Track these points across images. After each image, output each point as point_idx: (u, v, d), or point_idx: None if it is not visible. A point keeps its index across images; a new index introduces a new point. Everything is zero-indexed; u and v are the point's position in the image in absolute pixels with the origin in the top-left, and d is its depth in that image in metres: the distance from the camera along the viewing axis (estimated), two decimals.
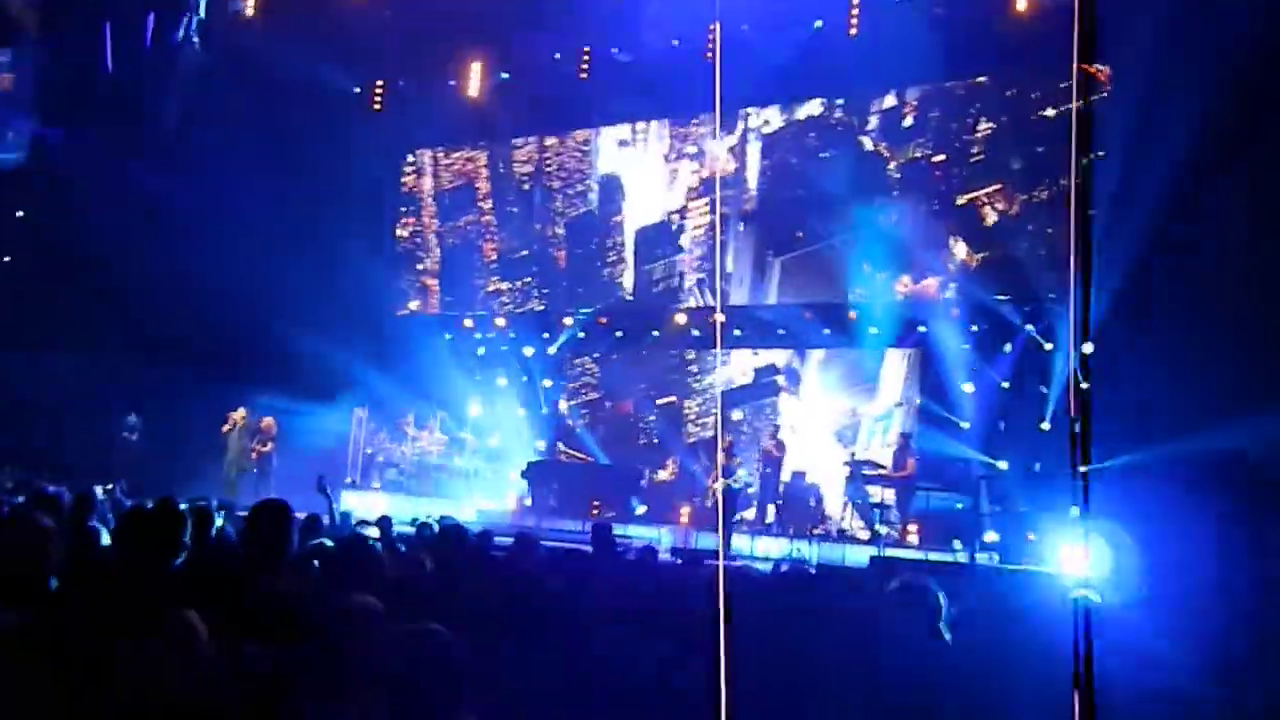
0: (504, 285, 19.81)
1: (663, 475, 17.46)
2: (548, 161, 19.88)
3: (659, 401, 18.55)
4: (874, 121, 16.72)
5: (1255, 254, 11.28)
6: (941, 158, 15.89)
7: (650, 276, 18.62)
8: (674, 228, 18.46)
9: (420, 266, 20.66)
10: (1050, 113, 14.77)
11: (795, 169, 17.23)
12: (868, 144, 16.71)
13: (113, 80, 17.56)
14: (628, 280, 18.86)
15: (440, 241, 20.62)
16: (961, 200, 15.58)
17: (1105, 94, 14.11)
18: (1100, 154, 13.84)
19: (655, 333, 18.44)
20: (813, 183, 16.70)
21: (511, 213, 20.15)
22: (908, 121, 16.44)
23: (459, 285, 20.21)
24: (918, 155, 16.16)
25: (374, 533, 8.55)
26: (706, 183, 18.26)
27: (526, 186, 20.11)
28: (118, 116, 18.07)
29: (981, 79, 15.66)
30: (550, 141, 19.84)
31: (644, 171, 18.93)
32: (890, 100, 16.56)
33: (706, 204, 18.23)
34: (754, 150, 17.83)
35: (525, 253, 19.87)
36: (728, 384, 17.99)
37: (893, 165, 16.35)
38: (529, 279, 19.59)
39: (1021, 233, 14.90)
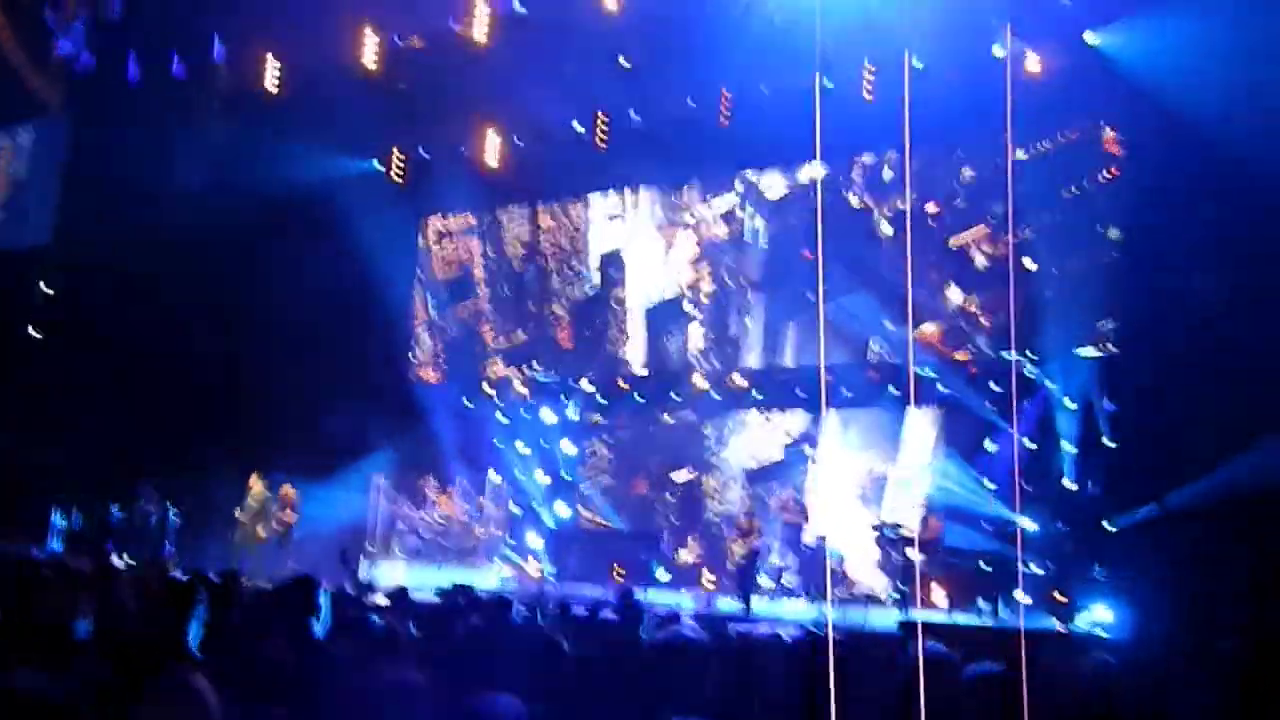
0: (509, 371, 19.94)
1: (685, 556, 17.26)
2: (542, 241, 20.07)
3: (676, 478, 18.37)
4: (856, 177, 16.96)
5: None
6: (933, 208, 16.03)
7: (664, 351, 18.67)
8: (682, 301, 18.54)
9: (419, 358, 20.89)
10: (1022, 155, 15.04)
11: (797, 231, 17.32)
12: (854, 200, 16.86)
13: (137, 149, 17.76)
14: (636, 355, 18.93)
15: (440, 334, 20.85)
16: (953, 244, 15.69)
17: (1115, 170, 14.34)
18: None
19: (676, 395, 18.40)
20: (814, 244, 16.79)
21: (505, 296, 20.34)
22: (886, 174, 16.68)
23: (462, 373, 20.41)
24: (902, 207, 16.33)
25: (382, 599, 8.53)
26: (705, 250, 18.37)
27: (517, 266, 20.32)
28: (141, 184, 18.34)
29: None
30: (546, 223, 20.04)
31: (641, 243, 19.12)
32: (868, 157, 16.80)
33: (708, 271, 18.32)
34: (757, 214, 17.97)
35: (524, 336, 20.00)
36: (747, 459, 17.79)
37: (880, 217, 16.52)
38: (536, 364, 19.68)
39: (1010, 276, 15.01)
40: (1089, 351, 14.01)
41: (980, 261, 15.59)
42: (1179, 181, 12.30)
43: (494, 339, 20.29)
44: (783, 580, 15.58)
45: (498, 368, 20.06)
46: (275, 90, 17.95)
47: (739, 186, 18.25)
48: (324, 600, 4.58)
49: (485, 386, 19.92)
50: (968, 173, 15.76)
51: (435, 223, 21.23)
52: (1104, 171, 14.45)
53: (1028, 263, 14.80)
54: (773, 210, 17.83)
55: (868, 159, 16.87)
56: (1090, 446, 13.69)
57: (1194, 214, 11.92)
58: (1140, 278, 13.45)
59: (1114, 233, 14.29)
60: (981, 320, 15.46)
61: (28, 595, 4.01)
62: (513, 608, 5.81)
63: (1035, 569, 13.12)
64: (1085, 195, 14.70)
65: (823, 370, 16.34)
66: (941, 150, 15.86)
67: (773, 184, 17.88)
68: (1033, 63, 14.47)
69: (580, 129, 18.14)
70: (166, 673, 2.84)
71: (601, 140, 18.00)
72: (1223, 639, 6.06)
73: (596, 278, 19.54)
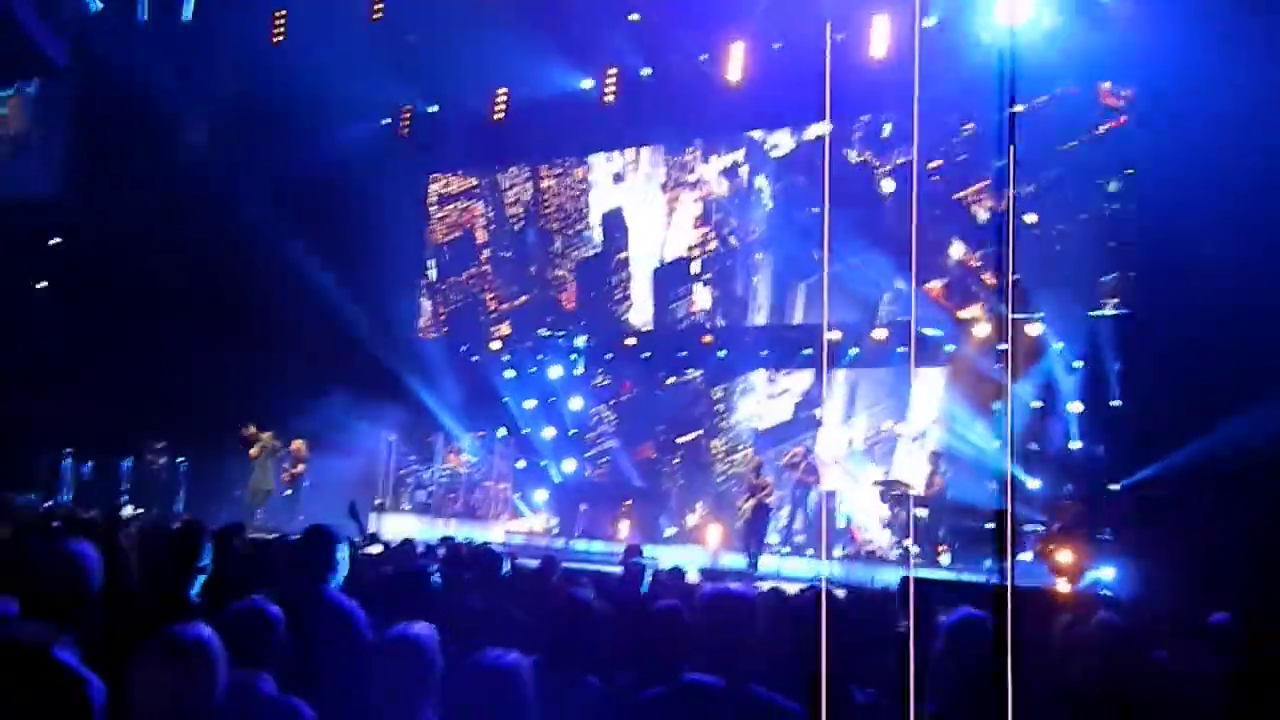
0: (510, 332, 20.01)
1: (691, 520, 17.32)
2: (545, 203, 19.97)
3: (680, 440, 18.39)
4: (856, 134, 16.88)
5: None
6: (936, 163, 15.94)
7: (672, 313, 18.63)
8: (688, 261, 18.46)
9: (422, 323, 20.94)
10: (1020, 108, 14.85)
11: (806, 190, 17.20)
12: (853, 157, 16.79)
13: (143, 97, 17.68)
14: (642, 316, 18.92)
15: (443, 298, 20.86)
16: (954, 199, 15.66)
17: (1122, 116, 14.23)
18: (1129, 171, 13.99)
19: (683, 353, 18.41)
20: (820, 203, 16.72)
21: (504, 258, 20.29)
22: (886, 130, 16.60)
23: (469, 331, 20.48)
24: (901, 161, 16.26)
25: (377, 549, 8.61)
26: (710, 209, 18.29)
27: (519, 227, 20.24)
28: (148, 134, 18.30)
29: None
30: (548, 184, 19.94)
31: (644, 204, 19.01)
32: (866, 115, 16.72)
33: (713, 231, 18.24)
34: (764, 174, 17.87)
35: (525, 298, 19.98)
36: (754, 419, 17.79)
37: (881, 174, 16.49)
38: (529, 341, 19.71)
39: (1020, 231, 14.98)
40: (1097, 311, 13.93)
41: (982, 216, 15.52)
42: (1182, 134, 12.18)
43: (496, 304, 20.29)
44: (793, 538, 15.65)
45: (503, 328, 20.09)
46: (281, 38, 17.87)
47: (742, 146, 18.13)
48: (342, 554, 4.60)
49: (492, 344, 19.96)
50: (968, 128, 15.63)
51: (435, 187, 21.16)
52: (1100, 126, 14.39)
53: (1029, 218, 14.76)
54: (779, 169, 17.71)
55: (865, 117, 16.78)
56: (1097, 407, 13.67)
57: (1198, 167, 11.80)
58: (1145, 233, 13.40)
59: (1114, 185, 14.23)
60: (986, 277, 15.39)
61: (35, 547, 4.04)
62: (503, 563, 5.83)
63: (1039, 528, 13.17)
64: (1083, 149, 14.60)
65: (826, 327, 16.39)
66: (943, 106, 15.71)
67: (780, 142, 17.75)
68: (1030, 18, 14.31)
69: (588, 85, 18.06)
70: (168, 623, 2.85)
71: (610, 97, 17.91)
72: (1223, 604, 6.07)
73: (599, 239, 19.48)
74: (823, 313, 17.03)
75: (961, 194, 15.56)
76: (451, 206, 20.98)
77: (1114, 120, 14.33)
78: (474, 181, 20.80)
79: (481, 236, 20.63)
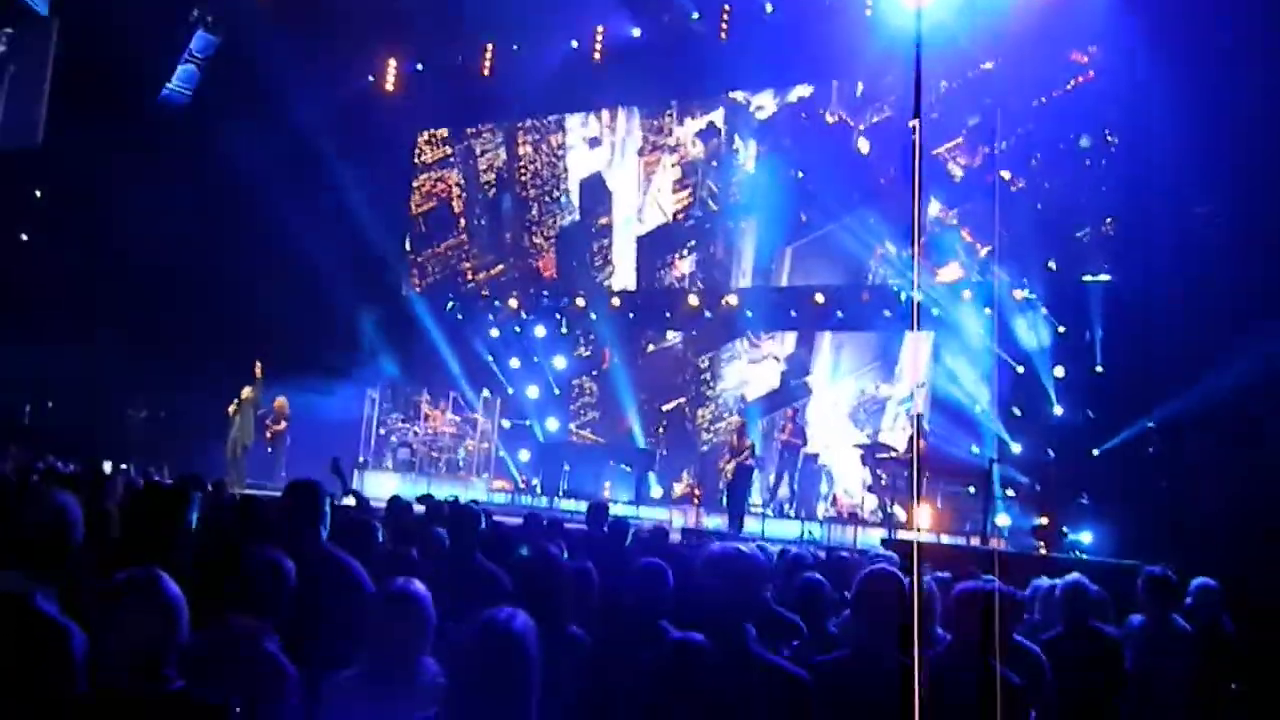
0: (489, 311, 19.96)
1: (678, 489, 17.34)
2: (521, 170, 19.86)
3: (664, 407, 18.36)
4: (833, 95, 16.86)
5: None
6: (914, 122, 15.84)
7: (656, 278, 18.55)
8: (671, 226, 18.37)
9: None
10: (989, 65, 15.08)
11: (790, 153, 17.12)
12: (829, 118, 16.76)
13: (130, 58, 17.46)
14: (624, 282, 18.84)
15: (420, 271, 20.78)
16: (933, 153, 15.58)
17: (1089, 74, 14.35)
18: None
19: (668, 314, 18.39)
20: (809, 165, 16.67)
21: (480, 226, 20.22)
22: (859, 89, 16.61)
23: (453, 292, 20.45)
24: (876, 120, 16.23)
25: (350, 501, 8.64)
26: (690, 172, 18.19)
27: (492, 194, 20.16)
28: (132, 94, 18.10)
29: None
30: (524, 151, 19.82)
31: (623, 168, 18.88)
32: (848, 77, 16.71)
33: (694, 195, 18.15)
34: (747, 135, 17.75)
35: (501, 266, 19.92)
36: (741, 385, 17.73)
37: (857, 133, 16.45)
38: (513, 300, 19.67)
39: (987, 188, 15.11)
40: (1086, 276, 13.95)
41: (956, 174, 15.50)
42: (1157, 92, 12.24)
43: (473, 275, 20.23)
44: (778, 499, 15.73)
45: (486, 293, 20.06)
46: None
47: (724, 107, 18.01)
48: (326, 506, 4.62)
49: (477, 302, 19.92)
50: (943, 84, 15.60)
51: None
52: (1071, 80, 14.44)
53: (1005, 175, 14.84)
54: (761, 131, 17.61)
55: (851, 80, 16.71)
56: (1081, 371, 13.72)
57: (1174, 124, 11.85)
58: (1127, 194, 13.48)
59: (1085, 141, 14.30)
60: (964, 234, 15.40)
61: (16, 498, 4.03)
62: (480, 519, 5.85)
63: (1021, 493, 13.26)
64: (1055, 105, 14.64)
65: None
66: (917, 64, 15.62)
67: (764, 103, 17.65)
68: None
69: (575, 44, 17.96)
70: (139, 572, 2.85)
71: (598, 56, 17.83)
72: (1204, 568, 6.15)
73: (577, 205, 19.36)
74: (809, 277, 16.97)
75: (937, 150, 15.52)
76: (425, 177, 20.89)
77: (1082, 75, 14.43)
78: (448, 151, 20.67)
79: (458, 207, 20.54)
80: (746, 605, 3.32)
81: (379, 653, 3.17)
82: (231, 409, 16.06)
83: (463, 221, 20.46)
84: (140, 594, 2.78)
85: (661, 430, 18.25)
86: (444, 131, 20.78)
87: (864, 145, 16.45)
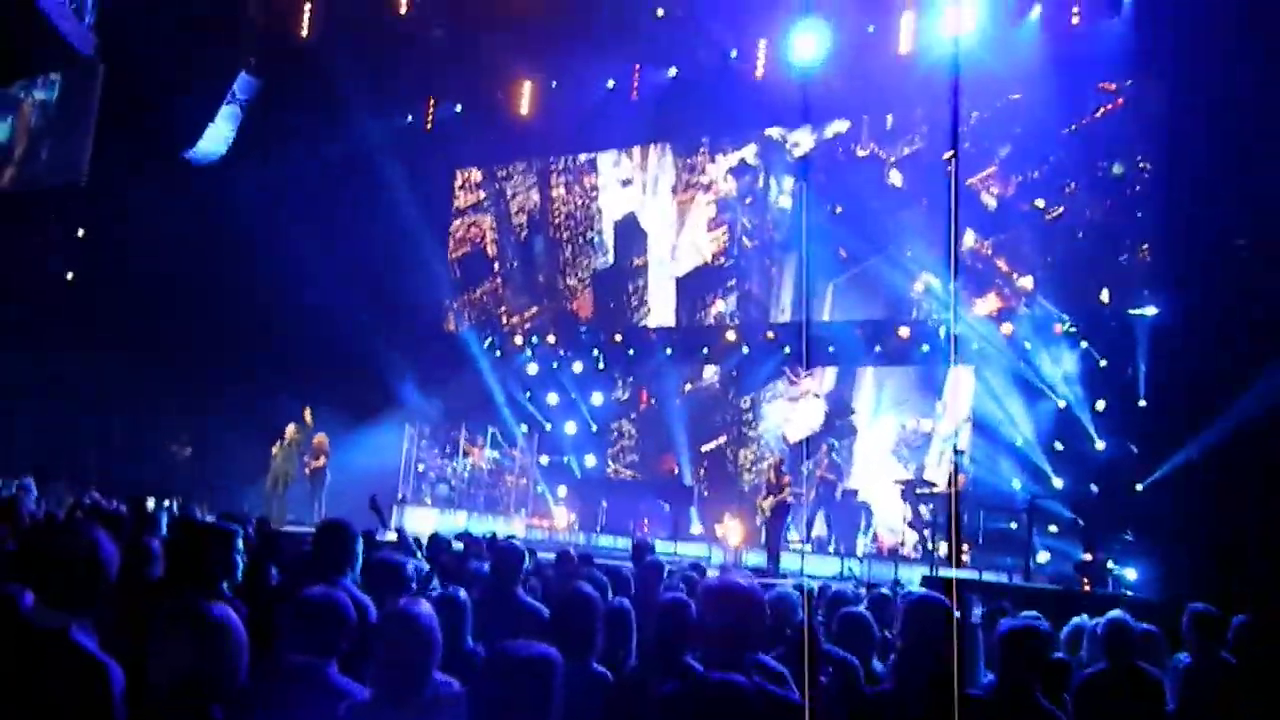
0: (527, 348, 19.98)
1: (719, 530, 17.25)
2: (554, 212, 19.96)
3: (705, 448, 18.26)
4: (864, 129, 16.90)
5: None
6: (948, 154, 15.88)
7: (696, 320, 18.53)
8: (708, 264, 18.38)
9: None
10: (1017, 96, 15.13)
11: (824, 188, 17.08)
12: (860, 152, 16.76)
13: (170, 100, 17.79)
14: (662, 321, 18.83)
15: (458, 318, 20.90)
16: (967, 183, 15.60)
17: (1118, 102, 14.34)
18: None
19: (705, 349, 18.37)
20: (844, 200, 16.64)
21: (512, 269, 20.32)
22: (889, 122, 16.67)
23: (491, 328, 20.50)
24: (907, 152, 16.27)
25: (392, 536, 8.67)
26: (727, 211, 18.21)
27: (524, 236, 20.26)
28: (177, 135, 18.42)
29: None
30: (556, 191, 19.91)
31: (657, 208, 18.95)
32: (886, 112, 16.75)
33: (730, 233, 18.15)
34: (783, 172, 17.79)
35: (535, 309, 19.98)
36: (782, 425, 17.60)
37: (890, 166, 16.46)
38: (551, 337, 19.67)
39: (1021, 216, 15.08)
40: (1131, 310, 13.80)
41: (990, 203, 15.46)
42: (1188, 120, 12.24)
43: (508, 319, 20.31)
44: (813, 536, 15.60)
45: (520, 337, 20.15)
46: (307, 34, 17.93)
47: (762, 144, 18.05)
48: (358, 548, 4.67)
49: (516, 339, 19.99)
50: (974, 115, 15.58)
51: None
52: (1100, 108, 14.44)
53: (1039, 203, 14.80)
54: (797, 167, 17.62)
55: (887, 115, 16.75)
56: (1124, 405, 13.56)
57: (1208, 152, 11.82)
58: (1164, 223, 13.40)
59: (1117, 169, 14.25)
60: (999, 264, 15.33)
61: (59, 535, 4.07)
62: (525, 557, 5.84)
63: (1063, 529, 13.10)
64: (1084, 132, 14.64)
65: (799, 325, 16.31)
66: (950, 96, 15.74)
67: (800, 140, 17.67)
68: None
69: (611, 84, 18.10)
70: (190, 604, 2.88)
71: (635, 95, 17.98)
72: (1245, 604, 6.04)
73: (611, 246, 19.41)
74: (851, 312, 16.91)
75: (970, 180, 15.49)
76: (459, 222, 21.06)
77: (1110, 103, 14.41)
78: (481, 196, 20.82)
79: (491, 251, 20.69)
80: (744, 635, 3.33)
81: (388, 674, 3.18)
82: (275, 448, 16.19)
83: (497, 265, 20.58)
84: (184, 624, 2.81)
85: (703, 472, 18.14)
86: (478, 175, 20.96)
87: (896, 178, 16.43)
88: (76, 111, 19.12)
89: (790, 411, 17.64)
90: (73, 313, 18.38)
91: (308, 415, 15.95)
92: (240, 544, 4.79)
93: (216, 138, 18.93)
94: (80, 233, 20.05)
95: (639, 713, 3.49)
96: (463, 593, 4.68)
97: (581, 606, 4.12)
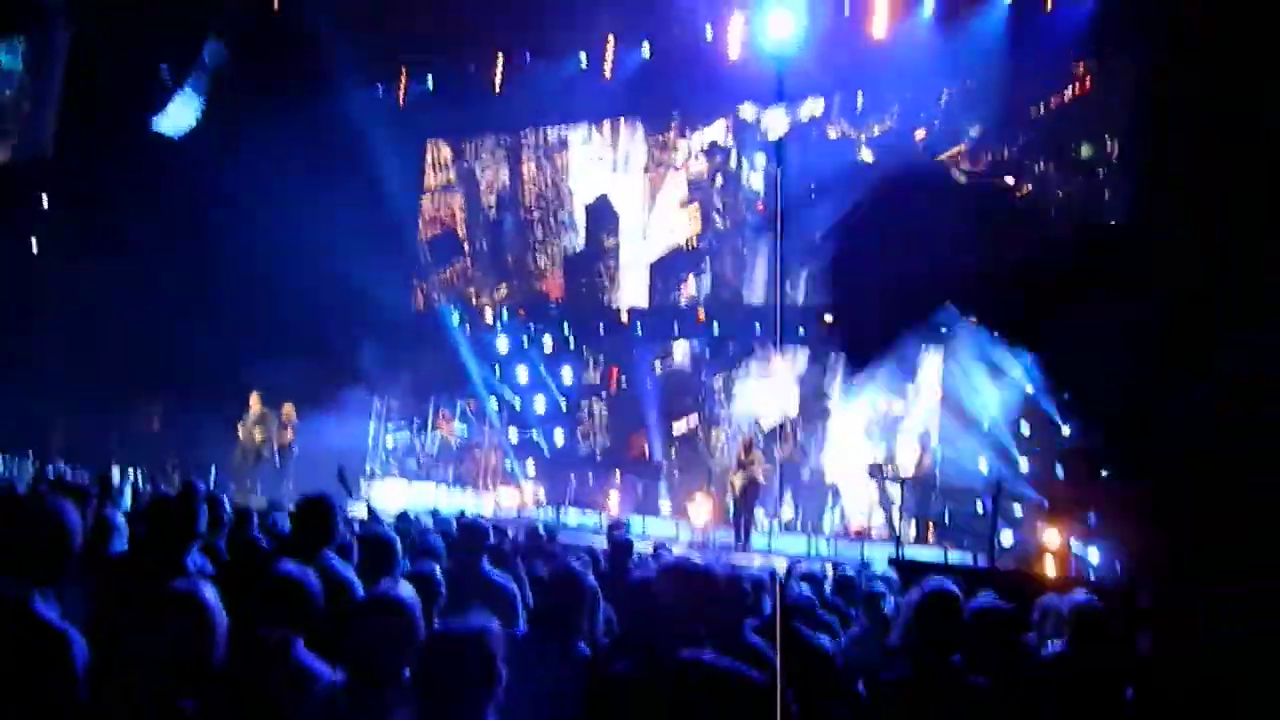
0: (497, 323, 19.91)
1: (690, 508, 17.23)
2: (524, 190, 19.88)
3: (675, 428, 18.22)
4: (835, 107, 16.90)
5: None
6: (921, 134, 15.96)
7: (671, 299, 18.51)
8: (679, 244, 18.34)
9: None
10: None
11: (799, 169, 17.09)
12: (832, 133, 16.76)
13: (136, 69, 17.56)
14: (634, 301, 18.80)
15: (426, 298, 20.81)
16: (937, 159, 15.70)
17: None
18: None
19: (676, 325, 18.35)
20: (822, 182, 16.64)
21: (481, 249, 20.25)
22: (860, 102, 16.69)
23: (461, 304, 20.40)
24: (878, 132, 16.32)
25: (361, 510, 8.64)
26: (699, 191, 18.16)
27: (493, 215, 20.18)
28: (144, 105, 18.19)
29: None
30: (526, 168, 19.81)
31: (629, 187, 18.87)
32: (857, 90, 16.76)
33: (702, 213, 18.10)
34: (755, 152, 17.76)
35: (505, 288, 19.87)
36: (754, 406, 17.46)
37: (863, 142, 16.49)
38: (521, 311, 19.61)
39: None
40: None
41: (960, 180, 15.50)
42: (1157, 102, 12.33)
43: (476, 298, 20.25)
44: (780, 515, 15.65)
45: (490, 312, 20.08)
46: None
47: (736, 123, 18.01)
48: (340, 525, 4.65)
49: (486, 316, 19.93)
50: (945, 94, 15.62)
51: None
52: (1069, 90, 14.55)
53: (1009, 180, 14.88)
54: (770, 147, 17.58)
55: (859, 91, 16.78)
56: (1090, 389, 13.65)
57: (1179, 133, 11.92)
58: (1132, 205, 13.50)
59: (1086, 150, 14.35)
60: None
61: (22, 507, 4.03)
62: (489, 534, 5.84)
63: (1028, 512, 13.21)
64: (1053, 114, 14.76)
65: (777, 308, 16.31)
66: (926, 76, 15.78)
67: (775, 121, 17.63)
68: None
69: (584, 58, 18.03)
70: (166, 584, 2.86)
71: (609, 72, 17.90)
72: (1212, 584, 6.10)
73: (582, 227, 19.35)
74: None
75: (940, 157, 15.54)
76: (429, 201, 20.95)
77: (1079, 84, 14.52)
78: (451, 177, 20.70)
79: (461, 232, 20.58)
80: (697, 614, 3.36)
81: (367, 658, 3.12)
82: (240, 422, 16.11)
83: (467, 246, 20.48)
84: (182, 606, 2.79)
85: (674, 452, 18.16)
86: (448, 153, 20.82)
87: (867, 155, 16.45)
88: (42, 81, 18.84)
89: (762, 392, 17.66)
90: (33, 285, 18.15)
91: (254, 401, 15.97)
92: (205, 509, 4.78)
93: (185, 109, 18.70)
94: (45, 203, 19.77)
95: (607, 691, 3.51)
96: (438, 570, 4.68)
97: (570, 586, 4.10)
